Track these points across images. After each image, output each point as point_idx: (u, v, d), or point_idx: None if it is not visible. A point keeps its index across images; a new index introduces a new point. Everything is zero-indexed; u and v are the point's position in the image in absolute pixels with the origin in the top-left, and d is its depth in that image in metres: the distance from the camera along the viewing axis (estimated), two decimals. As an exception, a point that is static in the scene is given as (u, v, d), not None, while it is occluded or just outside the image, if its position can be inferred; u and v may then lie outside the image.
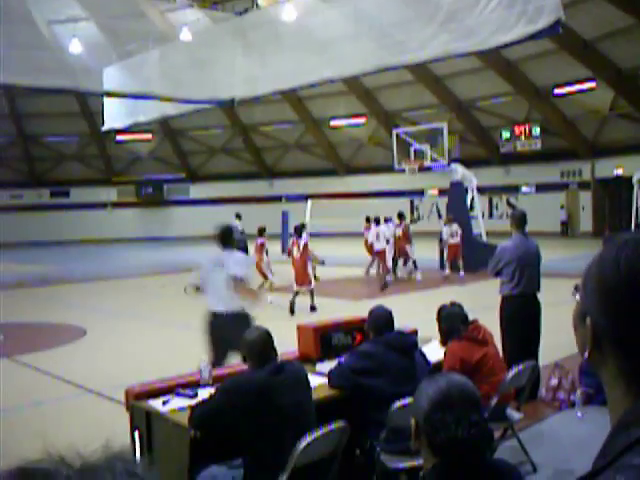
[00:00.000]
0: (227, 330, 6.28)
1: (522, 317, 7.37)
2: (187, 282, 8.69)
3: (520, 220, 7.54)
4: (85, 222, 43.53)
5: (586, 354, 1.16)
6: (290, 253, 15.34)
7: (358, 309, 12.56)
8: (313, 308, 14.65)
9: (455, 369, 5.11)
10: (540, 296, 7.60)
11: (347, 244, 32.23)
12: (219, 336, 6.44)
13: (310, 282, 14.70)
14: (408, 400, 4.11)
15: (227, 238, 7.07)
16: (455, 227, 19.67)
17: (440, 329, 5.57)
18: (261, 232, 17.55)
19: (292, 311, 14.20)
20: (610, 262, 1.12)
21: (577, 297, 1.22)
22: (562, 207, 35.30)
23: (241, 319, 6.39)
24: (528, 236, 7.65)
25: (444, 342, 5.50)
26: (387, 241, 18.30)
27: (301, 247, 14.73)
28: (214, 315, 6.58)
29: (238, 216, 23.81)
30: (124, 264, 24.16)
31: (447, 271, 19.49)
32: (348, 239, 35.56)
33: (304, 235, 14.95)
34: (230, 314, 6.47)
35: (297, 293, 14.51)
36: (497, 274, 7.51)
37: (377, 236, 18.44)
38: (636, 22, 25.50)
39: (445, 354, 5.37)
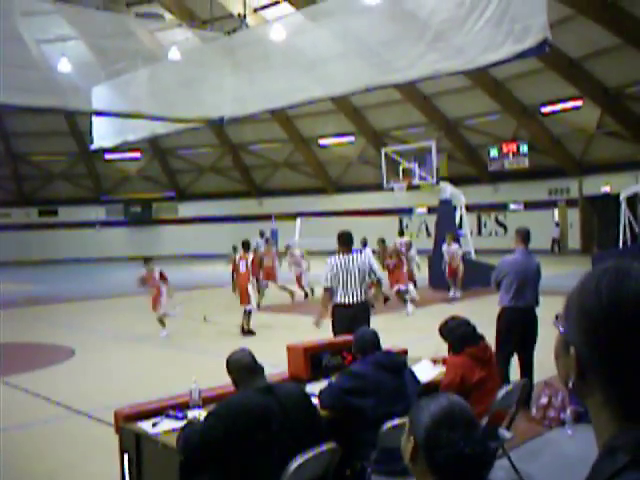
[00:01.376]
0: (357, 317, 7.65)
1: (517, 329, 7.63)
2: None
3: (525, 236, 7.88)
4: (74, 241, 43.38)
5: (570, 383, 1.16)
6: (235, 269, 14.56)
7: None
8: (247, 332, 13.68)
9: (455, 382, 5.11)
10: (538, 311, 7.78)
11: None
12: (349, 322, 7.37)
13: (249, 302, 13.88)
14: (399, 420, 4.10)
15: (351, 241, 8.33)
16: (453, 247, 18.98)
17: (449, 345, 5.58)
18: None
19: (250, 332, 13.62)
20: (591, 292, 1.13)
21: (560, 327, 1.22)
22: (557, 225, 35.43)
23: (366, 308, 8.06)
24: (531, 253, 7.95)
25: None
26: None
27: (249, 263, 14.07)
28: (345, 306, 7.88)
29: (261, 234, 24.27)
30: (113, 283, 24.04)
31: (451, 293, 18.95)
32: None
33: (272, 240, 14.28)
34: (359, 304, 7.90)
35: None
36: (497, 285, 7.77)
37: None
38: (621, 42, 25.74)
39: (446, 367, 5.38)
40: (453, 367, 5.30)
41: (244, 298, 13.91)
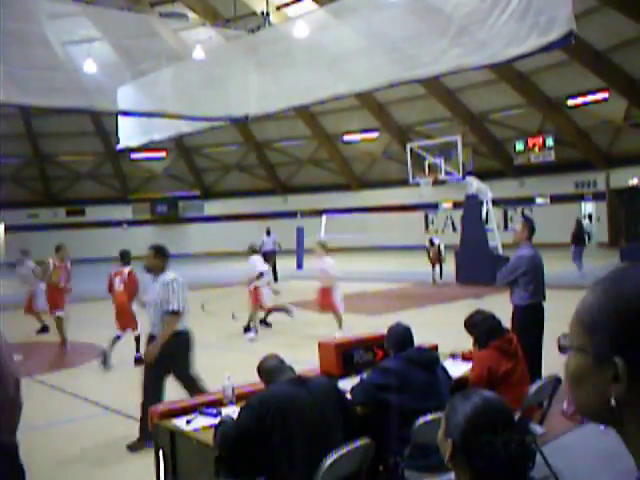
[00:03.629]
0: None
1: (534, 326, 7.49)
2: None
3: (533, 230, 7.73)
4: (101, 240, 43.73)
5: (613, 403, 1.09)
6: (111, 287, 11.80)
7: (374, 324, 12.56)
8: (138, 360, 10.75)
9: (482, 377, 5.10)
10: (548, 307, 7.73)
11: (362, 259, 32.24)
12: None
13: (136, 325, 11.45)
14: (432, 416, 4.11)
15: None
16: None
17: (474, 339, 5.55)
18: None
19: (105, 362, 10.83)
20: (632, 295, 1.08)
21: (568, 352, 1.17)
22: (590, 218, 35.19)
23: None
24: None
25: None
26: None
27: (125, 278, 11.47)
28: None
29: (268, 232, 25.08)
30: (141, 281, 24.22)
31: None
32: (363, 254, 35.59)
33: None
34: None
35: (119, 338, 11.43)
36: (510, 283, 7.58)
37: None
38: (648, 32, 25.50)
39: (473, 362, 5.37)
40: (479, 361, 5.29)
41: (124, 321, 11.63)
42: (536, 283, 7.49)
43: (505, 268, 7.74)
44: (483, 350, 5.33)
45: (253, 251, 13.82)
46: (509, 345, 5.39)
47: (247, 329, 13.48)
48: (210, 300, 19.72)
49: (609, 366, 1.08)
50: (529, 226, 7.74)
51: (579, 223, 23.32)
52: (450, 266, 21.49)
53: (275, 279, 23.14)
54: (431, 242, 22.12)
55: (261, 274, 13.26)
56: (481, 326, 5.46)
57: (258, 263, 13.47)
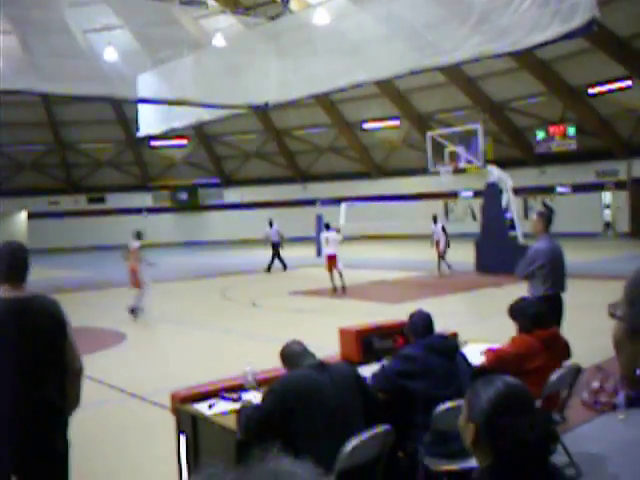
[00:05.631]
0: None
1: (552, 317, 7.39)
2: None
3: (549, 221, 7.64)
4: (121, 227, 43.89)
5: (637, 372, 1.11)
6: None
7: (394, 312, 12.58)
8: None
9: (512, 356, 5.05)
10: (571, 296, 7.70)
11: (381, 247, 32.21)
12: None
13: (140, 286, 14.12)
14: (451, 403, 4.13)
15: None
16: (436, 227, 21.69)
17: (519, 326, 5.48)
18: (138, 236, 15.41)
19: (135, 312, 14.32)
20: None
21: (616, 314, 1.20)
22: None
23: None
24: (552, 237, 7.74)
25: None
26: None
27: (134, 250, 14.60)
28: None
29: (270, 223, 25.20)
30: (159, 269, 24.22)
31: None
32: (382, 242, 35.57)
33: None
34: None
35: None
36: (527, 276, 7.52)
37: (327, 241, 18.22)
38: (673, 19, 25.23)
39: (512, 339, 5.31)
40: (519, 342, 5.20)
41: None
42: (554, 275, 7.42)
43: (522, 261, 7.67)
44: (528, 335, 5.24)
45: None
46: (553, 339, 5.31)
47: None
48: (230, 287, 19.82)
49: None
50: (545, 217, 7.66)
51: (549, 209, 24.80)
52: (469, 256, 21.42)
53: (284, 267, 23.49)
54: (435, 220, 22.04)
55: None
56: (527, 312, 5.38)
57: None
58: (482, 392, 2.05)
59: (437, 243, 21.55)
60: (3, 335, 3.42)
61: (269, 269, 23.70)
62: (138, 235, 15.07)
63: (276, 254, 24.26)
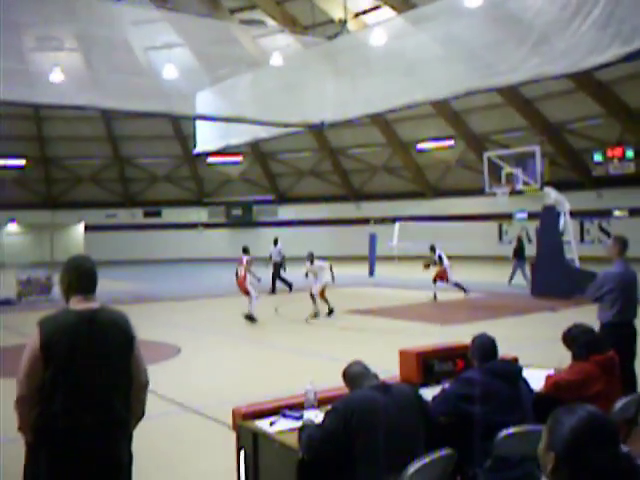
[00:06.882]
0: None
1: (620, 344, 7.23)
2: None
3: (625, 246, 7.51)
4: (176, 242, 44.58)
5: None
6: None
7: (448, 333, 12.51)
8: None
9: (574, 383, 4.97)
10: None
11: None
12: None
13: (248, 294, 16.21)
14: (515, 429, 4.09)
15: None
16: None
17: (573, 353, 5.42)
18: (245, 251, 17.70)
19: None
20: None
21: None
22: None
23: None
24: (628, 263, 7.58)
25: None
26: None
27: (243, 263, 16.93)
28: None
29: (275, 242, 25.23)
30: (214, 283, 24.74)
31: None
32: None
33: None
34: None
35: None
36: (597, 300, 7.42)
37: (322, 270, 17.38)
38: None
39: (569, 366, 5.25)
40: (578, 369, 5.14)
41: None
42: (624, 301, 7.28)
43: (593, 283, 7.58)
44: (583, 363, 5.18)
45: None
46: (610, 363, 5.22)
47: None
48: (283, 303, 19.92)
49: None
50: (620, 242, 7.55)
51: (519, 240, 25.33)
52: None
53: (273, 290, 23.20)
54: (432, 250, 21.50)
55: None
56: (581, 339, 5.32)
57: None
58: (565, 420, 2.02)
59: (444, 270, 20.90)
60: (75, 346, 3.50)
61: (273, 290, 23.26)
62: (245, 250, 17.55)
63: (276, 274, 23.74)
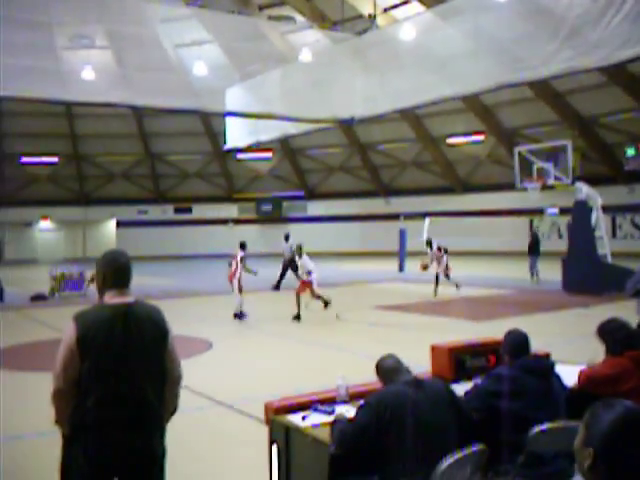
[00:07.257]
0: None
1: None
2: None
3: None
4: (207, 237, 44.84)
5: None
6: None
7: (480, 330, 12.45)
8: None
9: (608, 377, 4.92)
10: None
11: (464, 263, 31.84)
12: None
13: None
14: (549, 425, 4.08)
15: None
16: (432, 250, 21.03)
17: (607, 347, 5.36)
18: (242, 246, 17.25)
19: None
20: None
21: None
22: None
23: None
24: None
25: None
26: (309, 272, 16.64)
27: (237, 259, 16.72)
28: None
29: (286, 238, 23.86)
30: (245, 279, 24.58)
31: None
32: (465, 258, 35.17)
33: None
34: None
35: None
36: (635, 294, 7.36)
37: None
38: None
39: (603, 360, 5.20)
40: (612, 363, 5.08)
41: None
42: None
43: (631, 279, 7.52)
44: (618, 357, 5.13)
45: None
46: None
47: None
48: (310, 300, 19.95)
49: None
50: None
51: (534, 235, 26.05)
52: (557, 274, 21.01)
53: (277, 286, 22.63)
54: (429, 244, 21.35)
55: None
56: (617, 334, 5.26)
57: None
58: (603, 416, 1.99)
59: (438, 264, 20.74)
60: (110, 340, 3.54)
61: (277, 287, 22.65)
62: (242, 245, 17.10)
63: (285, 271, 22.87)
